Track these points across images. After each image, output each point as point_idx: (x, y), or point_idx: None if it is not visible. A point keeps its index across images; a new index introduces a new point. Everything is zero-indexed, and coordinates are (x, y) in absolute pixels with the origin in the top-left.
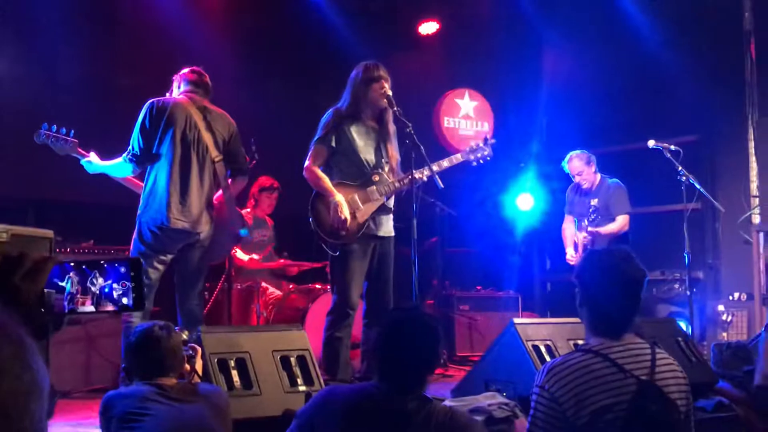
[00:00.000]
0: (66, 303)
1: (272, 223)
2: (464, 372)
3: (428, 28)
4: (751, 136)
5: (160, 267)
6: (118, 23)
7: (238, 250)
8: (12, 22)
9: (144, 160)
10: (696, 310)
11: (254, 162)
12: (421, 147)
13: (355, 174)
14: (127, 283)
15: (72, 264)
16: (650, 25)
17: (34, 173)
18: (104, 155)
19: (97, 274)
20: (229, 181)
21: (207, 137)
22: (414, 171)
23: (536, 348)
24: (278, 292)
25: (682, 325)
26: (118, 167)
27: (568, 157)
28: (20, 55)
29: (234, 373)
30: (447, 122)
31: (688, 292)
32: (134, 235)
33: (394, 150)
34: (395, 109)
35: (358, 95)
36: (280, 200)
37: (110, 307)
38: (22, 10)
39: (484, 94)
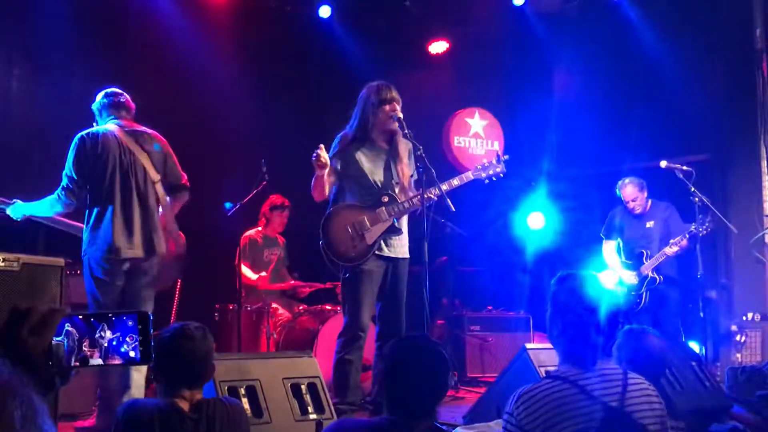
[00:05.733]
0: (73, 356)
1: (284, 242)
2: (475, 394)
3: (438, 47)
4: (763, 155)
5: (116, 294)
6: (124, 46)
7: (246, 268)
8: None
9: (78, 194)
10: (709, 330)
11: (264, 182)
12: (432, 170)
13: (364, 196)
14: (135, 336)
15: (80, 317)
16: (661, 44)
17: (43, 195)
18: None
19: (105, 327)
20: (168, 199)
21: (144, 159)
22: (424, 190)
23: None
24: (288, 314)
25: (695, 346)
26: (50, 203)
27: (621, 183)
28: (28, 76)
29: (244, 401)
30: (457, 141)
31: (702, 313)
32: (85, 272)
33: (406, 168)
34: (406, 131)
35: (368, 116)
36: (291, 219)
37: (118, 361)
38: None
39: (495, 113)
